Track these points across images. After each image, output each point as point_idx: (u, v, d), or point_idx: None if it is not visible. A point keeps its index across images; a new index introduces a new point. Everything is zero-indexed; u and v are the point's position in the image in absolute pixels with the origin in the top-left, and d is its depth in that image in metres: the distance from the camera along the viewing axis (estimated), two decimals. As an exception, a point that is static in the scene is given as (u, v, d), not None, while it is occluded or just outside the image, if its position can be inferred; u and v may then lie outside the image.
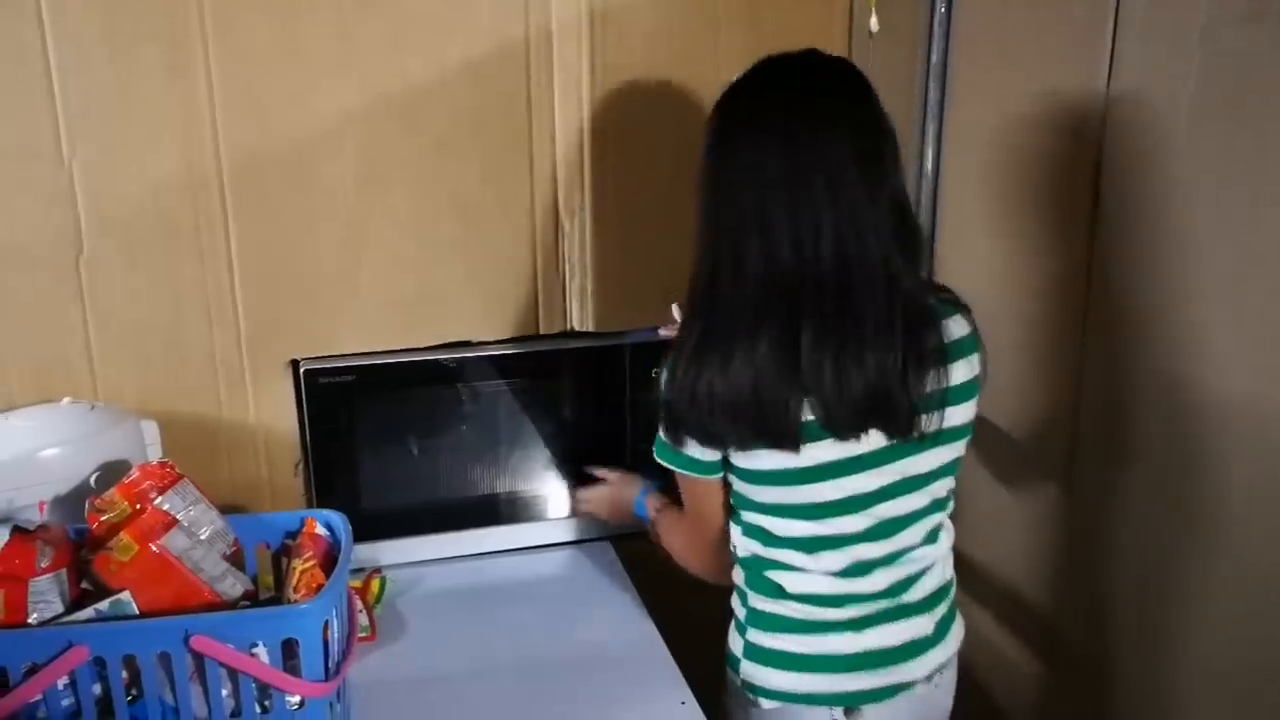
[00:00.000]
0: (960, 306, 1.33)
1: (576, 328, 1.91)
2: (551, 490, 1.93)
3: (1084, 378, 1.52)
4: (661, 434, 1.37)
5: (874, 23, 1.87)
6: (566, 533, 1.96)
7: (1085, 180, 1.48)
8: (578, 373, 1.90)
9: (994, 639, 1.66)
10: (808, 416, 1.25)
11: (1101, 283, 1.48)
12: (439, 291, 1.81)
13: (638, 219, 1.88)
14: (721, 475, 1.38)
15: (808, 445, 1.27)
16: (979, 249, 1.68)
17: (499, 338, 1.87)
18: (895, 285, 1.22)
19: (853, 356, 1.21)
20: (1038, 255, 1.58)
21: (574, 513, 1.94)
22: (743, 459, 1.32)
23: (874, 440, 1.28)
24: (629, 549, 1.93)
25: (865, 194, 1.21)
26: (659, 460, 1.41)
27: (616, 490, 1.76)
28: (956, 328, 1.31)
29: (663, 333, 1.82)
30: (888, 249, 1.22)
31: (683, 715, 1.47)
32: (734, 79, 1.31)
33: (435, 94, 1.72)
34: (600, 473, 1.81)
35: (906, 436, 1.27)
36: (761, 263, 1.22)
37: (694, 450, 1.34)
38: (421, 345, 1.82)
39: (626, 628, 1.70)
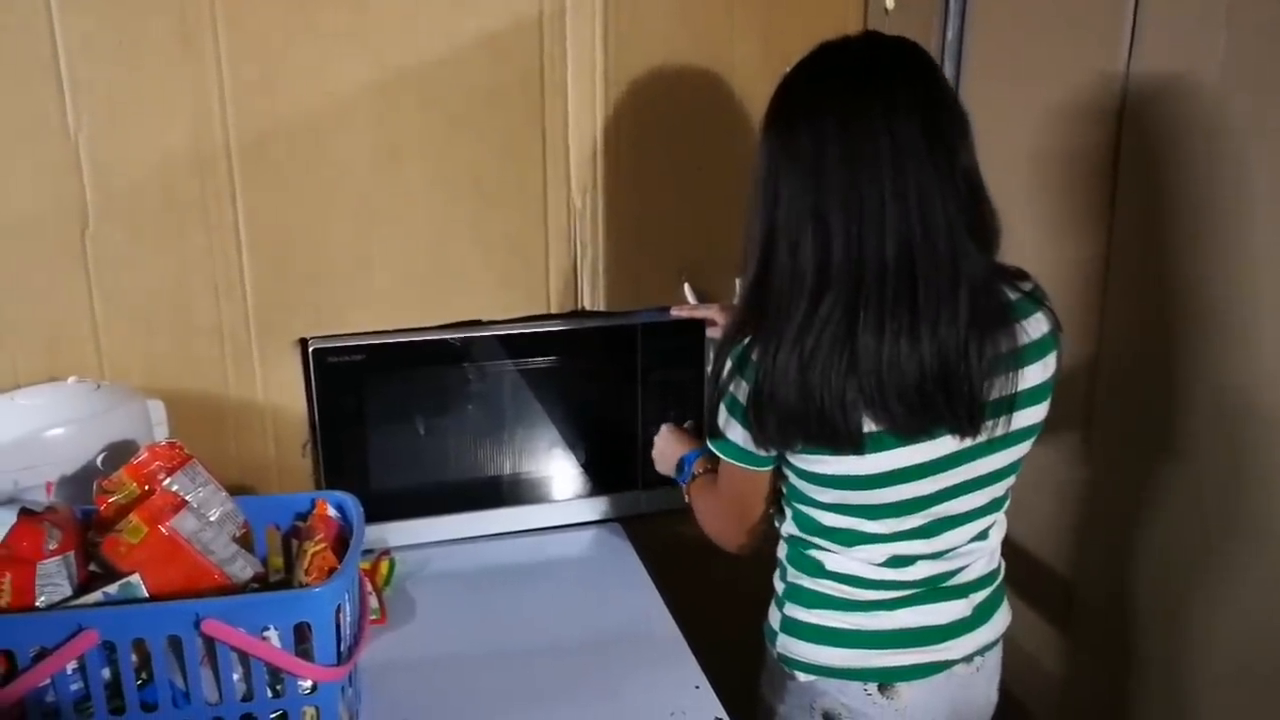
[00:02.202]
0: (1040, 302, 1.28)
1: (588, 307, 1.89)
2: (562, 471, 1.91)
3: (1101, 361, 1.51)
4: (713, 423, 1.34)
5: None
6: (577, 514, 1.94)
7: (1105, 159, 1.46)
8: (589, 352, 1.88)
9: (1015, 611, 1.65)
10: (872, 427, 1.22)
11: (1121, 264, 1.46)
12: (450, 270, 1.79)
13: (651, 197, 1.85)
14: (771, 469, 1.36)
15: (875, 454, 1.24)
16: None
17: (510, 317, 1.84)
18: (961, 272, 1.17)
19: (908, 337, 1.17)
20: (1056, 236, 1.56)
21: (583, 492, 1.93)
22: (803, 461, 1.29)
23: (944, 445, 1.25)
24: (639, 530, 1.92)
25: (935, 181, 1.16)
26: (711, 447, 1.38)
27: (672, 440, 1.69)
28: (1035, 327, 1.26)
29: (675, 313, 1.80)
30: (958, 238, 1.17)
31: (696, 699, 1.46)
32: (790, 66, 1.26)
33: (449, 69, 1.70)
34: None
35: (972, 435, 1.24)
36: (820, 256, 1.18)
37: (747, 444, 1.32)
38: (432, 324, 1.80)
39: (638, 610, 1.69)
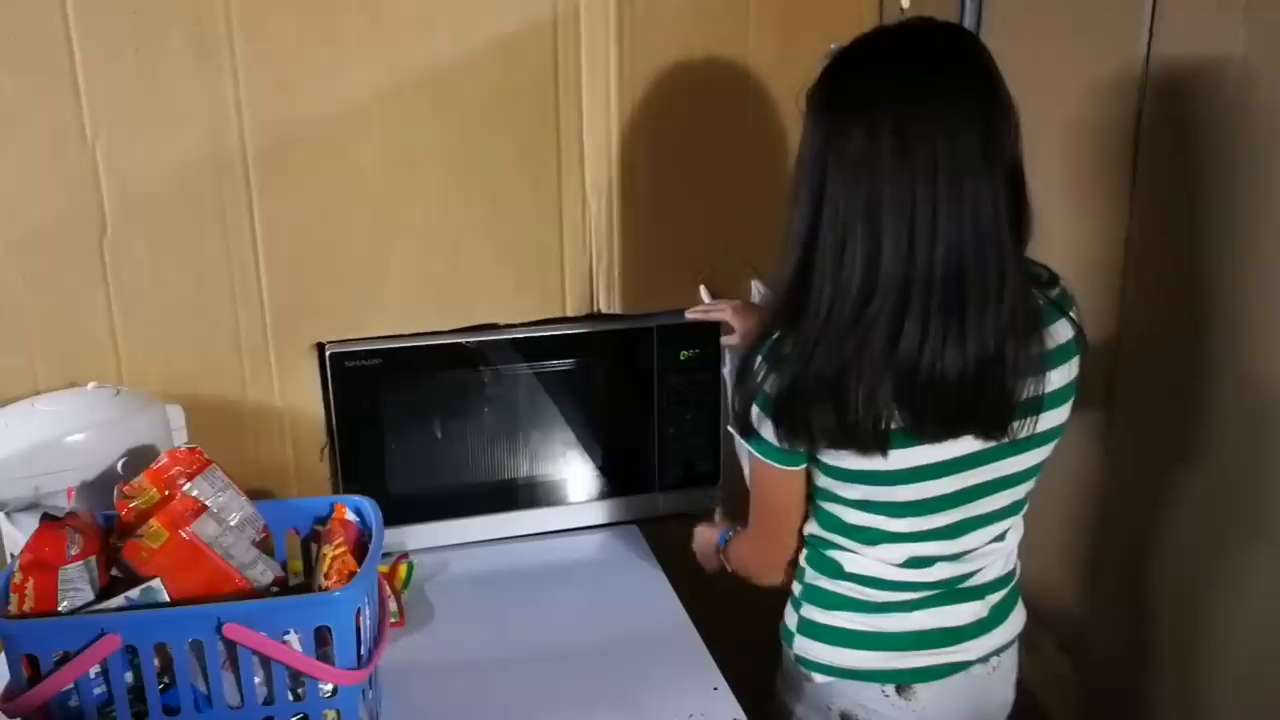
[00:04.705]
0: (1063, 311, 1.27)
1: (604, 309, 1.89)
2: (579, 474, 1.92)
3: (1122, 355, 1.50)
4: (745, 421, 1.31)
5: (906, -3, 1.84)
6: (594, 517, 1.94)
7: (1125, 149, 1.45)
8: (605, 355, 1.88)
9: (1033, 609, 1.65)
10: (894, 425, 1.21)
11: (1142, 259, 1.46)
12: (466, 273, 1.79)
13: (666, 198, 1.85)
14: (803, 467, 1.34)
15: (896, 450, 1.23)
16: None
17: (525, 320, 1.85)
18: (1007, 278, 1.15)
19: (955, 345, 1.15)
20: (1077, 227, 1.55)
21: (600, 495, 1.94)
22: (828, 456, 1.28)
23: (967, 444, 1.24)
24: (656, 533, 1.92)
25: (987, 182, 1.13)
26: (746, 445, 1.35)
27: (705, 533, 1.65)
28: (1061, 331, 1.26)
29: (690, 314, 1.80)
30: (1003, 239, 1.15)
31: (715, 701, 1.46)
32: (839, 48, 1.22)
33: (464, 72, 1.70)
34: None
35: (998, 439, 1.23)
36: (869, 260, 1.15)
37: (777, 442, 1.30)
38: (448, 328, 1.80)
39: (656, 612, 1.69)
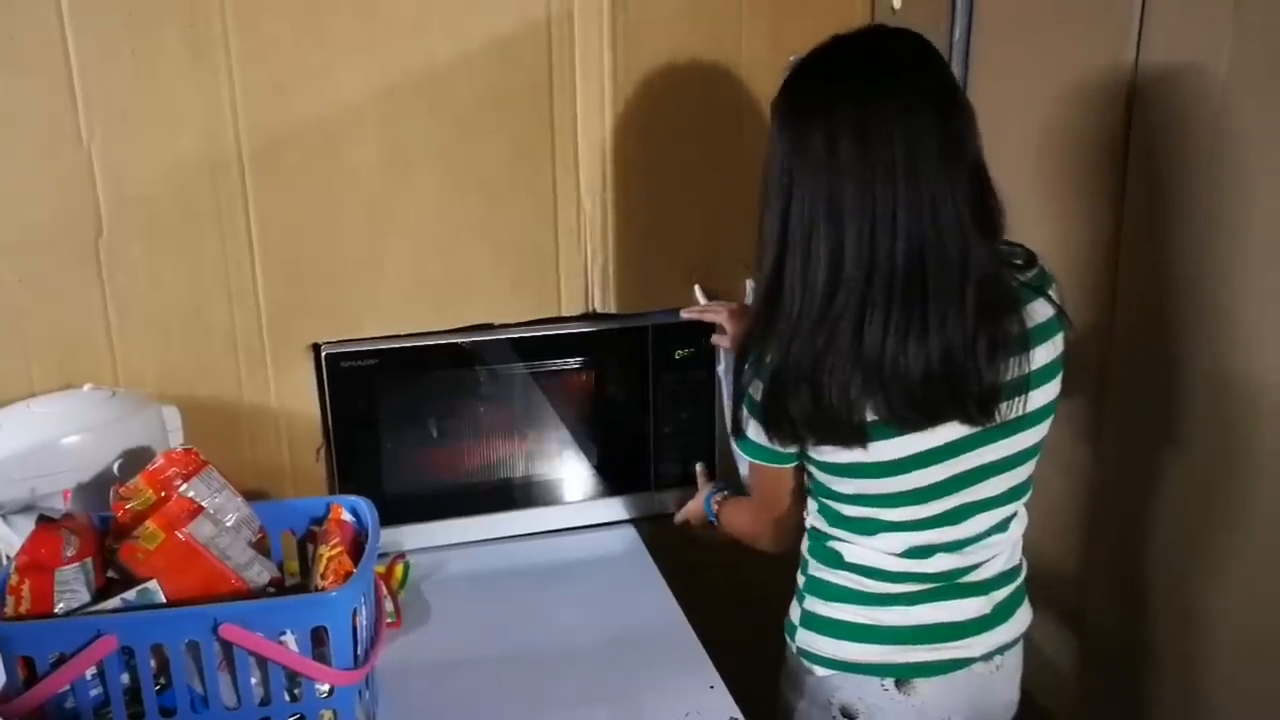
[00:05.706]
0: (1041, 290, 1.29)
1: (599, 309, 1.89)
2: (575, 474, 1.92)
3: (1112, 354, 1.50)
4: (736, 424, 1.37)
5: (897, -1, 1.84)
6: (590, 516, 1.95)
7: (1114, 156, 1.46)
8: (600, 355, 1.88)
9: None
10: (871, 417, 1.23)
11: (1130, 259, 1.46)
12: (461, 273, 1.79)
13: (660, 198, 1.86)
14: (795, 464, 1.38)
15: (878, 442, 1.25)
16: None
17: (521, 320, 1.85)
18: (970, 269, 1.19)
19: (916, 339, 1.18)
20: (1065, 233, 1.55)
21: (596, 494, 1.95)
22: (818, 452, 1.31)
23: (952, 430, 1.26)
24: (653, 531, 1.92)
25: (946, 178, 1.17)
26: (735, 446, 1.41)
27: (691, 506, 1.80)
28: (1040, 310, 1.27)
29: (684, 314, 1.81)
30: (967, 234, 1.18)
31: (711, 699, 1.46)
32: (795, 56, 1.26)
33: (458, 73, 1.70)
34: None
35: (984, 423, 1.25)
36: (833, 256, 1.19)
37: (767, 441, 1.34)
38: (444, 328, 1.81)
39: (652, 611, 1.69)
